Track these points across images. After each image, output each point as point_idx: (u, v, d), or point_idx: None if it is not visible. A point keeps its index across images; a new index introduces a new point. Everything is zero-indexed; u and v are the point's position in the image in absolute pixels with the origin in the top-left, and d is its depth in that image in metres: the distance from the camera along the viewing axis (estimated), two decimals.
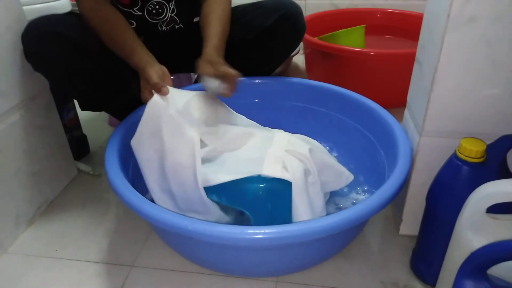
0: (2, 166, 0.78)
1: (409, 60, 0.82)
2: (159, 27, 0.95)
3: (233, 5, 1.05)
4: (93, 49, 0.80)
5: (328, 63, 1.31)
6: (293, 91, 0.98)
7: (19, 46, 0.78)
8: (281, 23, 0.91)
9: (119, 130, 0.81)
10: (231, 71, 0.77)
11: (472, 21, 0.57)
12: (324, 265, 0.73)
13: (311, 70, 1.46)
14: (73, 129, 1.06)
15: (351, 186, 0.87)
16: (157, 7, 0.91)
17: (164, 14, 0.93)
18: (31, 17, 0.84)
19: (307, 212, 0.66)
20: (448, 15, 0.57)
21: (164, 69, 0.78)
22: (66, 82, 0.85)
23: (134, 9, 0.90)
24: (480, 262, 0.53)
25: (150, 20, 0.93)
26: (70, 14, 0.86)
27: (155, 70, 0.76)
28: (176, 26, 0.97)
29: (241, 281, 0.71)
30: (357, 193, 0.84)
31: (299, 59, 1.61)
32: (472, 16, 0.57)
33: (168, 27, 0.96)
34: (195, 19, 1.02)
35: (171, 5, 0.93)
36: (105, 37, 0.82)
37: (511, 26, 0.57)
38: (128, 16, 0.91)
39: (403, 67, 0.96)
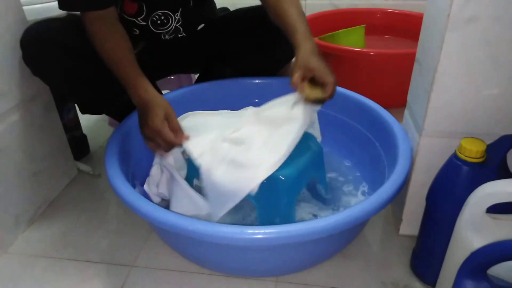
0: (2, 166, 0.78)
1: (409, 60, 0.82)
2: (162, 37, 0.95)
3: (234, 7, 1.05)
4: (92, 54, 0.79)
5: (328, 63, 1.30)
6: (293, 91, 0.98)
7: (19, 46, 0.78)
8: None
9: (119, 130, 0.81)
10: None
11: (472, 21, 0.57)
12: (324, 265, 0.73)
13: None
14: (73, 129, 1.06)
15: (352, 186, 0.87)
16: (162, 17, 0.90)
17: (169, 25, 0.92)
18: (31, 17, 0.84)
19: None
20: (448, 15, 0.57)
21: (168, 106, 0.74)
22: (65, 87, 0.84)
23: (139, 18, 0.89)
24: (480, 262, 0.53)
25: (154, 30, 0.92)
26: (68, 17, 0.86)
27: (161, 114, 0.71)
28: (179, 35, 0.96)
29: (241, 281, 0.71)
30: (357, 193, 0.84)
31: None
32: (472, 16, 0.57)
33: (171, 36, 0.96)
34: (199, 27, 1.01)
35: (177, 16, 0.92)
36: (108, 63, 0.78)
37: (511, 26, 0.57)
38: (132, 25, 0.90)
39: (403, 67, 0.96)
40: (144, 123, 0.73)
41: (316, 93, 0.72)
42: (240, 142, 0.74)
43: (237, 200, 0.67)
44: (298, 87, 0.72)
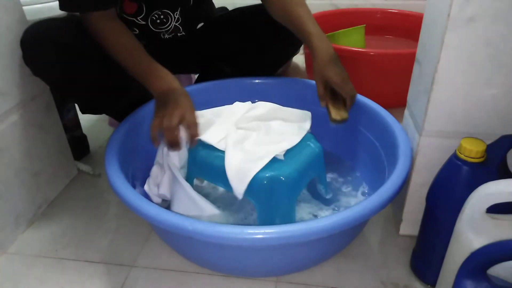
0: (2, 166, 0.78)
1: (409, 60, 0.82)
2: (161, 36, 0.95)
3: (234, 6, 1.05)
4: (92, 54, 0.79)
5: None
6: (292, 91, 0.98)
7: (19, 46, 0.78)
8: (283, 27, 0.91)
9: (119, 130, 0.81)
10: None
11: (472, 21, 0.57)
12: (324, 265, 0.73)
13: (311, 70, 1.46)
14: (73, 129, 1.06)
15: (352, 186, 0.87)
16: (162, 17, 0.90)
17: (168, 24, 0.92)
18: (31, 17, 0.84)
19: None
20: (448, 15, 0.57)
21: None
22: (65, 87, 0.84)
23: (138, 18, 0.89)
24: (480, 262, 0.53)
25: (153, 29, 0.92)
26: (68, 17, 0.86)
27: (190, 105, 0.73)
28: (178, 34, 0.96)
29: (241, 281, 0.71)
30: (357, 193, 0.85)
31: (299, 59, 1.61)
32: (472, 16, 0.57)
33: (170, 35, 0.96)
34: (198, 26, 1.02)
35: (176, 15, 0.92)
36: (121, 59, 0.78)
37: (511, 26, 0.57)
38: (132, 24, 0.90)
39: (403, 67, 0.96)
40: (170, 104, 0.71)
41: (341, 114, 0.78)
42: (255, 129, 0.78)
43: (260, 165, 0.68)
44: (322, 99, 0.81)
